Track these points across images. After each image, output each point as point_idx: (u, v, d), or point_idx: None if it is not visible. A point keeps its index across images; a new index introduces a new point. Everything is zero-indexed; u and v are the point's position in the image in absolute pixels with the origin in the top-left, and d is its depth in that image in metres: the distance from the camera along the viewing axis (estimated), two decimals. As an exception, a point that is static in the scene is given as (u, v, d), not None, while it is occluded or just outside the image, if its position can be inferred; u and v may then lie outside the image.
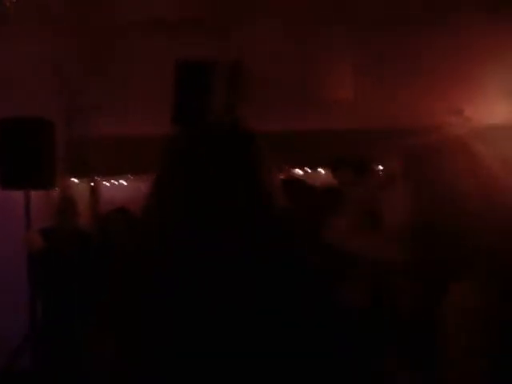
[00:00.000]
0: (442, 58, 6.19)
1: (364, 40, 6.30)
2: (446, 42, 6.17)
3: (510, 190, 1.73)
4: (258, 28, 5.94)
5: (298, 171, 6.75)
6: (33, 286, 4.88)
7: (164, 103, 4.76)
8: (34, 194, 5.06)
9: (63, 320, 4.63)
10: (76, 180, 6.72)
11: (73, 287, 4.56)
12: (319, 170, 6.64)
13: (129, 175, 6.77)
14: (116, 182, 6.90)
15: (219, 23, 6.06)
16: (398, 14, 6.22)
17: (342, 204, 3.17)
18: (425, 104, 6.08)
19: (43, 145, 4.91)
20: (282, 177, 3.97)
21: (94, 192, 6.53)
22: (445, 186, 1.46)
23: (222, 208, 1.37)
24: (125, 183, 6.88)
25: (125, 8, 5.91)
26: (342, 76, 6.42)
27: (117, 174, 6.79)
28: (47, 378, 4.60)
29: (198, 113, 4.62)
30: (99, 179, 6.73)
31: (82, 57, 6.06)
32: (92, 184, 6.58)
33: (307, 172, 6.76)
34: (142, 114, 6.03)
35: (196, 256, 1.36)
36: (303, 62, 6.26)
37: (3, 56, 5.79)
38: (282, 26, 6.06)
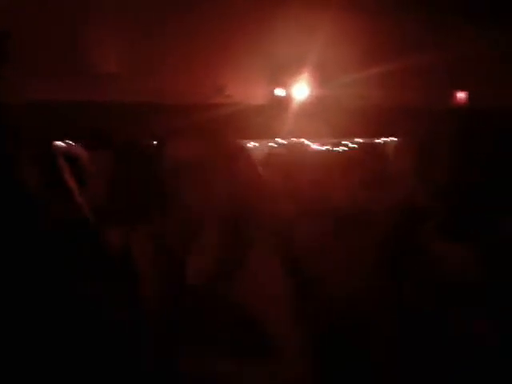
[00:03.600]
0: (207, 36, 6.33)
1: (131, 14, 6.20)
2: (211, 22, 6.31)
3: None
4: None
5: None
6: None
7: None
8: None
9: None
10: None
11: None
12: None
13: None
14: None
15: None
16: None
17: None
18: (190, 81, 6.19)
19: None
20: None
21: None
22: None
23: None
24: None
25: None
26: (109, 49, 6.25)
27: None
28: None
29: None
30: None
31: None
32: None
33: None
34: None
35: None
36: (69, 33, 5.97)
37: None
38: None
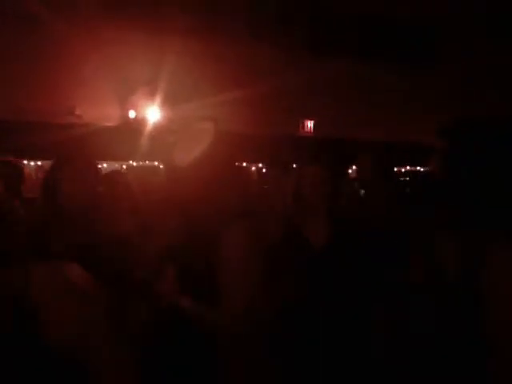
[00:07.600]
0: (59, 58, 6.25)
1: None
2: (65, 43, 6.24)
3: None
4: None
5: None
6: None
7: None
8: None
9: None
10: None
11: None
12: None
13: None
14: None
15: None
16: (15, 10, 6.09)
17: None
18: (43, 101, 6.08)
19: None
20: None
21: None
22: None
23: None
24: None
25: None
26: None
27: None
28: None
29: None
30: None
31: None
32: None
33: None
34: None
35: None
36: None
37: None
38: None
